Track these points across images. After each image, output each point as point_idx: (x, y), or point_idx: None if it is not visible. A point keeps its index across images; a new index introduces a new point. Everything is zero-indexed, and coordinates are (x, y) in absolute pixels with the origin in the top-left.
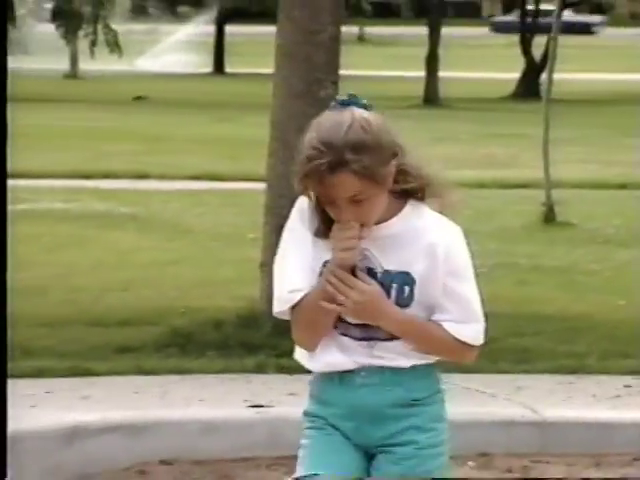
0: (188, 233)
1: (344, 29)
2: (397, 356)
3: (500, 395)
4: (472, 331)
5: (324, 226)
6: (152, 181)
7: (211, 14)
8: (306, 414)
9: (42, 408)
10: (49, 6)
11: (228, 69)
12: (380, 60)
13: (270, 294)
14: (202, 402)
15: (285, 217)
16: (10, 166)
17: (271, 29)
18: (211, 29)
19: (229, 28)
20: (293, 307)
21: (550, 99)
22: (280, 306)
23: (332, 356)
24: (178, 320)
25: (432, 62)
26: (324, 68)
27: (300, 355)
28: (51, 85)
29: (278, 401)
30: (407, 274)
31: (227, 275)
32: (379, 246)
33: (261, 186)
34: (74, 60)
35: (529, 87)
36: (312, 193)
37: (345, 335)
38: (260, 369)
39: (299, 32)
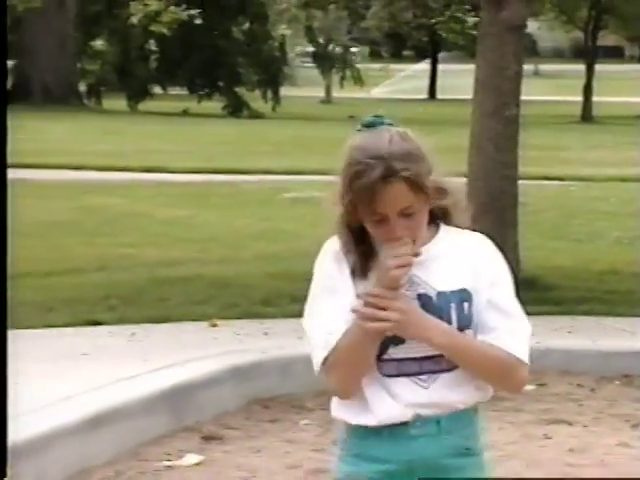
0: None
1: (524, 66)
2: (451, 391)
3: (636, 332)
4: (521, 345)
5: (361, 262)
6: None
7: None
8: (347, 475)
9: None
10: (310, 49)
11: (439, 95)
12: (550, 89)
13: None
14: None
15: (481, 202)
16: (282, 165)
17: (470, 66)
18: (427, 66)
19: (440, 66)
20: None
21: None
22: (321, 354)
23: (388, 406)
24: None
25: (588, 90)
26: (509, 94)
27: (344, 412)
28: (312, 108)
29: None
30: (463, 290)
31: None
32: (426, 269)
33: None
34: (328, 89)
35: None
36: (355, 219)
37: (398, 376)
38: None
39: (491, 68)
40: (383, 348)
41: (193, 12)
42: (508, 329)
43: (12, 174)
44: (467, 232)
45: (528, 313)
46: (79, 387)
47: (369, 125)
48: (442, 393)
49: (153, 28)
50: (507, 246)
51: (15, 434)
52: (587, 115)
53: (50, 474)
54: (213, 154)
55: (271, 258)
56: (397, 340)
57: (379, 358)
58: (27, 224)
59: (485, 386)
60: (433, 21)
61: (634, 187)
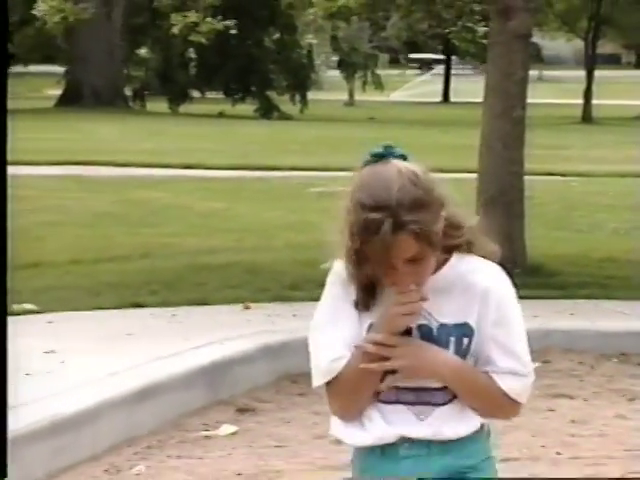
0: None
1: (530, 72)
2: (446, 424)
3: (633, 314)
4: (518, 385)
5: (365, 296)
6: None
7: (435, 65)
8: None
9: None
10: (336, 58)
11: (452, 99)
12: (553, 92)
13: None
14: None
15: (491, 195)
16: (309, 162)
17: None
18: (440, 72)
19: (454, 72)
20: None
21: None
22: (322, 378)
23: (380, 428)
24: None
25: (588, 93)
26: (516, 97)
27: (341, 431)
28: (336, 110)
29: None
30: (465, 325)
31: None
32: (430, 299)
33: (466, 175)
34: (351, 93)
35: None
36: (353, 260)
37: (395, 403)
38: None
39: (500, 74)
40: (382, 375)
41: (228, 23)
42: (509, 369)
43: (66, 171)
44: (481, 263)
45: (534, 297)
46: (125, 364)
47: (378, 156)
48: (437, 426)
49: (192, 38)
50: (514, 235)
51: (66, 406)
52: (587, 116)
53: (99, 443)
54: (246, 152)
55: (299, 247)
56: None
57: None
58: (79, 215)
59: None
60: (447, 31)
61: (631, 182)
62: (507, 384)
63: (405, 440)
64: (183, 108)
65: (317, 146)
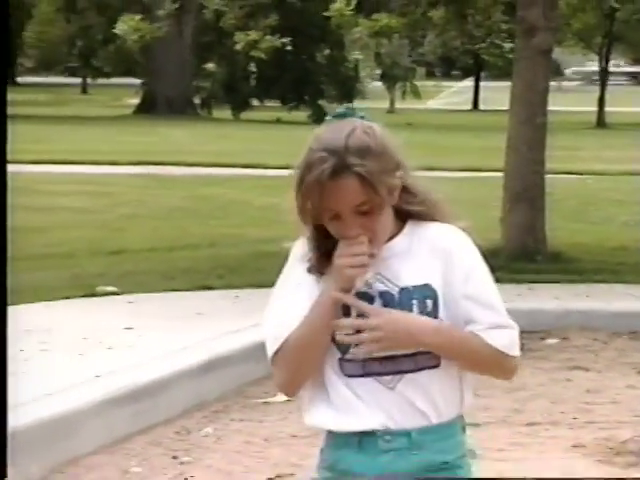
0: (457, 202)
1: (551, 83)
2: (422, 399)
3: None
4: (506, 338)
5: (320, 259)
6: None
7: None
8: None
9: None
10: (379, 71)
11: (482, 107)
12: (570, 101)
13: (506, 237)
14: None
15: (516, 192)
16: None
17: (507, 83)
18: (471, 83)
19: (483, 83)
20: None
21: None
22: (271, 347)
23: (355, 409)
24: None
25: (601, 101)
26: (538, 106)
27: (316, 418)
28: (379, 116)
29: (518, 294)
30: (426, 285)
31: (482, 225)
32: (388, 266)
33: (495, 174)
34: (392, 102)
35: None
36: (310, 216)
37: (362, 376)
38: (500, 279)
39: (524, 85)
40: (344, 349)
41: (285, 40)
42: (492, 323)
43: (143, 170)
44: (435, 225)
45: (554, 281)
46: (194, 339)
47: (339, 116)
48: (408, 395)
49: (253, 53)
50: (537, 227)
51: (144, 376)
52: (601, 122)
53: (172, 408)
54: (300, 153)
55: None
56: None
57: (342, 359)
58: (155, 209)
59: (458, 399)
60: (477, 47)
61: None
62: (494, 339)
63: (387, 431)
64: (245, 115)
65: None
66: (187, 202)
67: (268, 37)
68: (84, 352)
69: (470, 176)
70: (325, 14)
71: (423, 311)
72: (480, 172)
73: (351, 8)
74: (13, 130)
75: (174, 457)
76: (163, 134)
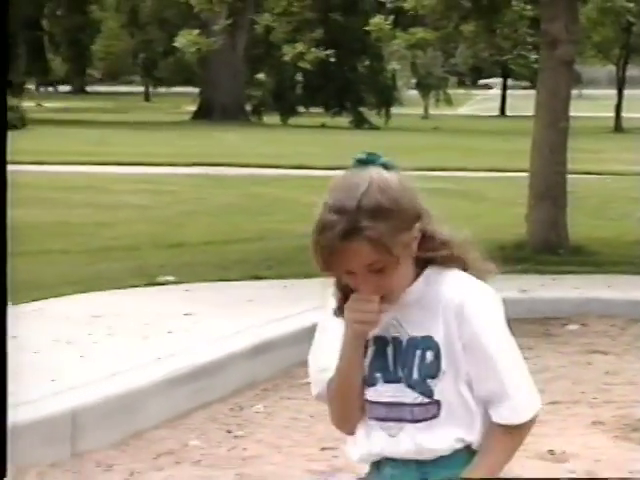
0: (486, 200)
1: (572, 91)
2: (425, 443)
3: None
4: (505, 409)
5: (342, 303)
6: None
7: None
8: None
9: None
10: (414, 81)
11: (508, 113)
12: (590, 107)
13: (531, 232)
14: None
15: (540, 191)
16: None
17: (532, 91)
18: (498, 92)
19: (509, 91)
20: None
21: None
22: (314, 390)
23: (363, 445)
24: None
25: (619, 108)
26: (561, 112)
27: (351, 451)
28: (414, 122)
29: (542, 284)
30: (429, 338)
31: (509, 221)
32: (405, 313)
33: (520, 174)
34: (426, 108)
35: None
36: (325, 271)
37: (370, 418)
38: (525, 271)
39: (548, 93)
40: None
41: (329, 52)
42: (501, 395)
43: (200, 170)
44: (454, 275)
45: (575, 272)
46: (246, 324)
47: (361, 162)
48: (411, 443)
49: (300, 64)
50: (559, 223)
51: (201, 357)
52: (618, 127)
53: (226, 387)
54: (342, 155)
55: None
56: (371, 381)
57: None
58: (210, 206)
59: (473, 439)
60: (505, 58)
61: None
62: (506, 417)
63: (388, 459)
64: (292, 120)
65: (397, 150)
66: (239, 200)
67: (313, 49)
68: (147, 336)
69: (498, 176)
70: (365, 28)
71: (422, 362)
72: (507, 172)
73: (389, 23)
74: (83, 134)
75: (228, 431)
76: (218, 138)
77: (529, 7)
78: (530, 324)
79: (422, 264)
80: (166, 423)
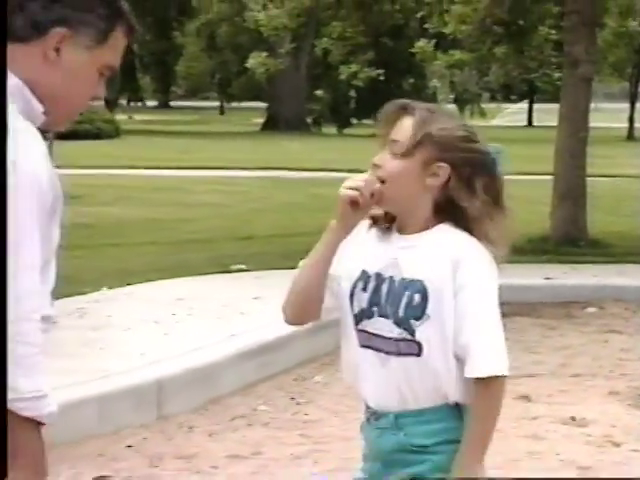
0: (514, 199)
1: (591, 105)
2: (408, 385)
3: None
4: (469, 364)
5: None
6: None
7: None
8: None
9: None
10: (453, 96)
11: (535, 124)
12: (606, 119)
13: (554, 227)
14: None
15: (562, 192)
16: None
17: (556, 105)
18: (526, 105)
19: (536, 105)
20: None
21: None
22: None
23: (366, 387)
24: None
25: (631, 119)
26: (581, 122)
27: (344, 374)
28: None
29: (564, 272)
30: (419, 282)
31: (532, 218)
32: (406, 256)
33: (545, 177)
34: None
35: None
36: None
37: (366, 347)
38: (549, 261)
39: (569, 107)
40: (357, 320)
41: (379, 71)
42: (470, 349)
43: (267, 173)
44: (462, 235)
45: (593, 262)
46: None
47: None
48: (396, 375)
49: (354, 82)
50: (579, 220)
51: (268, 334)
52: (630, 136)
53: (290, 360)
54: None
55: None
56: (369, 314)
57: (355, 328)
58: (276, 205)
59: (443, 389)
60: (532, 76)
61: None
62: (479, 367)
63: (374, 411)
64: (347, 131)
65: None
66: (301, 199)
67: (366, 69)
68: (221, 316)
69: (525, 179)
70: (411, 51)
71: (408, 303)
72: (533, 175)
73: (431, 46)
74: (168, 143)
75: (292, 398)
76: (283, 146)
77: (553, 32)
78: (554, 307)
79: (440, 219)
80: (238, 391)
